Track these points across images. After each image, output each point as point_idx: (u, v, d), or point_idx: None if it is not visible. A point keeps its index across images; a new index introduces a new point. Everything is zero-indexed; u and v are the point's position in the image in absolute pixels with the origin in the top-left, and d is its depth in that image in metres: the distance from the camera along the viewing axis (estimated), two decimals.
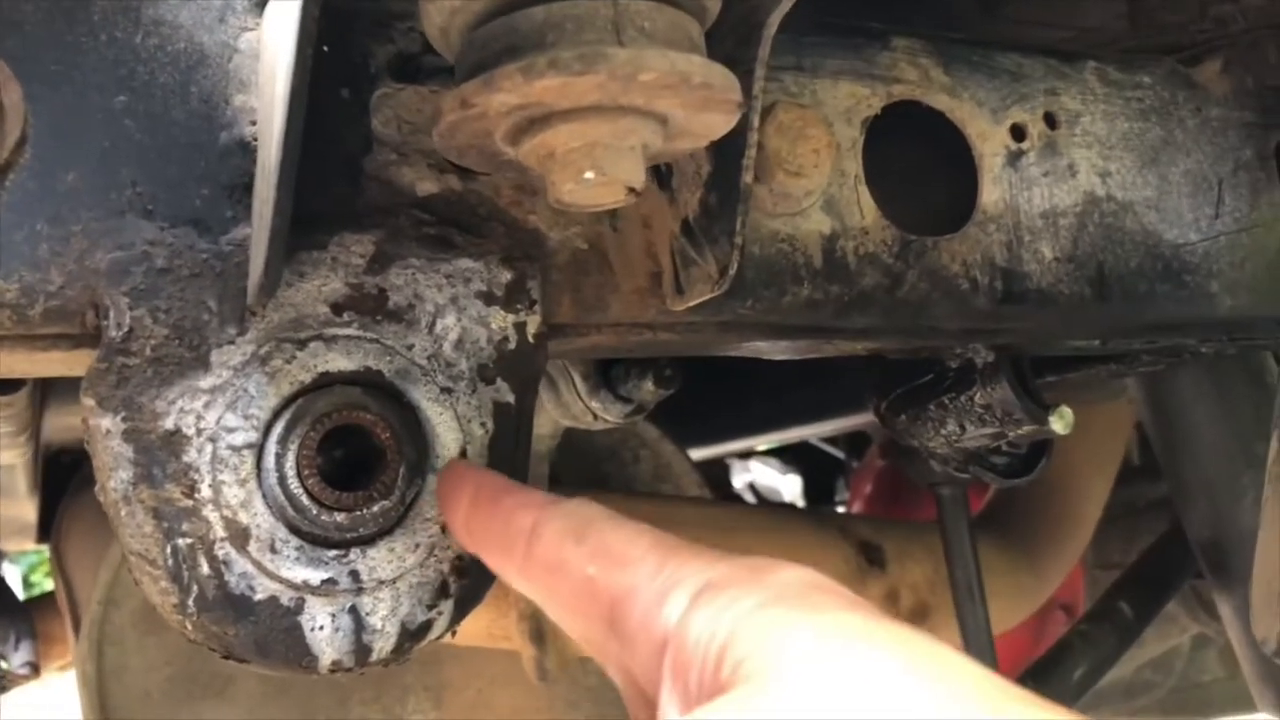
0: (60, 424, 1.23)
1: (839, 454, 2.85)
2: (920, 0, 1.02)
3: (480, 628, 1.11)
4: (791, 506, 2.72)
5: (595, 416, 0.95)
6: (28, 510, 1.90)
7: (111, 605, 1.23)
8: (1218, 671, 2.30)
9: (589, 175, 0.51)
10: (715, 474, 2.92)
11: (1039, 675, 1.32)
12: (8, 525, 2.18)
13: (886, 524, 1.37)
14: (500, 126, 0.51)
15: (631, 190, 0.53)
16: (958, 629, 1.17)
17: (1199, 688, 2.31)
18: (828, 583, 0.45)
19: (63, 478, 1.72)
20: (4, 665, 1.97)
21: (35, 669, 2.00)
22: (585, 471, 1.37)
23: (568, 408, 0.97)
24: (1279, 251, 0.92)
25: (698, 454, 1.76)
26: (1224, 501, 1.24)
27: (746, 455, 3.03)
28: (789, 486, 3.35)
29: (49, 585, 2.20)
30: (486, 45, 0.49)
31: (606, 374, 0.93)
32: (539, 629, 1.07)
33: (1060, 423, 0.92)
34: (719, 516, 1.21)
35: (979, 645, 1.13)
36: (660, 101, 0.50)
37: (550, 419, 1.02)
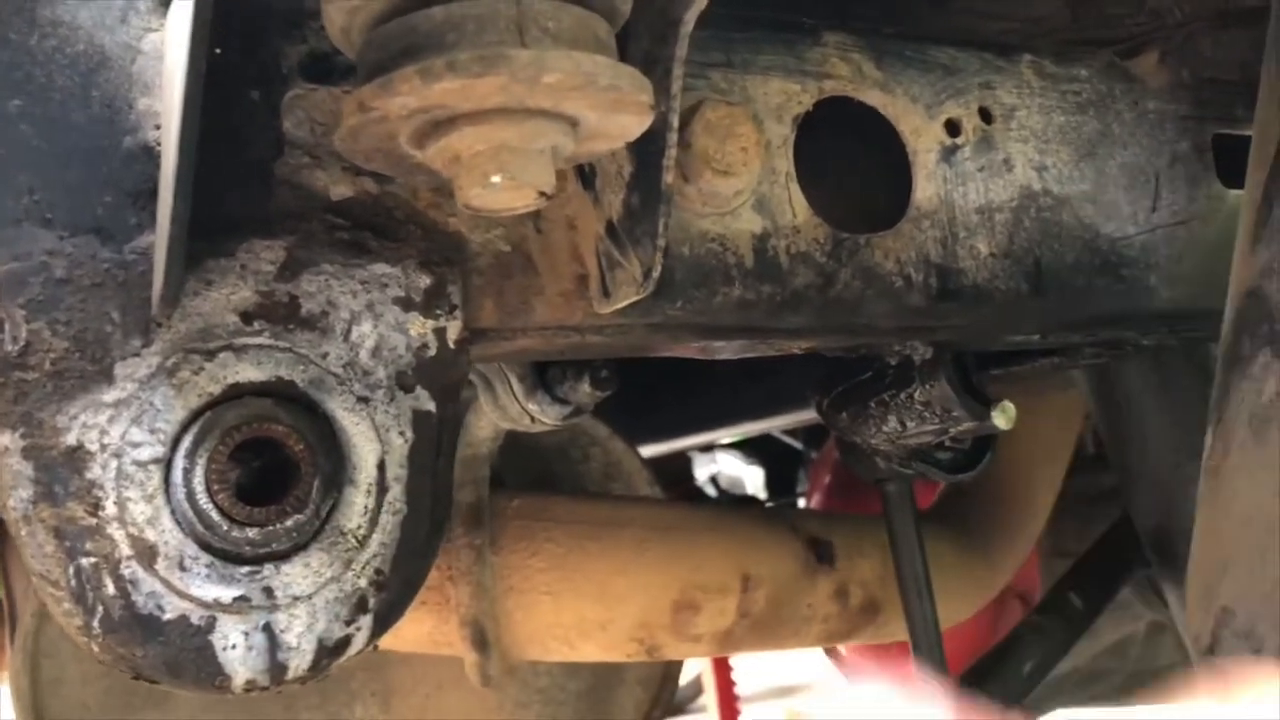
0: None
1: (799, 446, 2.85)
2: None
3: (423, 634, 1.09)
4: (741, 503, 2.71)
5: (533, 419, 0.93)
6: None
7: (46, 617, 1.21)
8: (1174, 656, 2.32)
9: (496, 179, 0.49)
10: (678, 467, 2.91)
11: (989, 668, 1.32)
12: None
13: (837, 520, 1.37)
14: (404, 130, 0.50)
15: (542, 194, 0.51)
16: (907, 625, 1.16)
17: (1155, 673, 2.33)
18: None
19: None
20: None
21: None
22: (534, 471, 1.36)
23: (505, 410, 0.95)
24: (1216, 244, 0.91)
25: (651, 450, 1.75)
26: (1169, 491, 1.24)
27: (709, 448, 3.02)
28: (752, 478, 3.35)
29: None
30: (385, 46, 0.48)
31: (543, 376, 0.91)
32: (481, 635, 1.05)
33: (1002, 418, 0.91)
34: (668, 517, 1.20)
35: (927, 642, 1.12)
36: (568, 103, 0.49)
37: (490, 421, 1.01)
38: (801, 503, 2.89)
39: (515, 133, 0.49)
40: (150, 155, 0.59)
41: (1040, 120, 0.86)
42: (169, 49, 0.57)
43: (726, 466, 3.33)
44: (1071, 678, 2.14)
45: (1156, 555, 1.27)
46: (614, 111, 0.51)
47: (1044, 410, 1.54)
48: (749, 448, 3.05)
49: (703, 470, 3.27)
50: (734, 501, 3.22)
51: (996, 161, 0.84)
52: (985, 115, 0.84)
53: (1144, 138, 0.91)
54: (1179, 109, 0.93)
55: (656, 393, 1.57)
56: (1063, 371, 1.27)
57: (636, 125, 0.53)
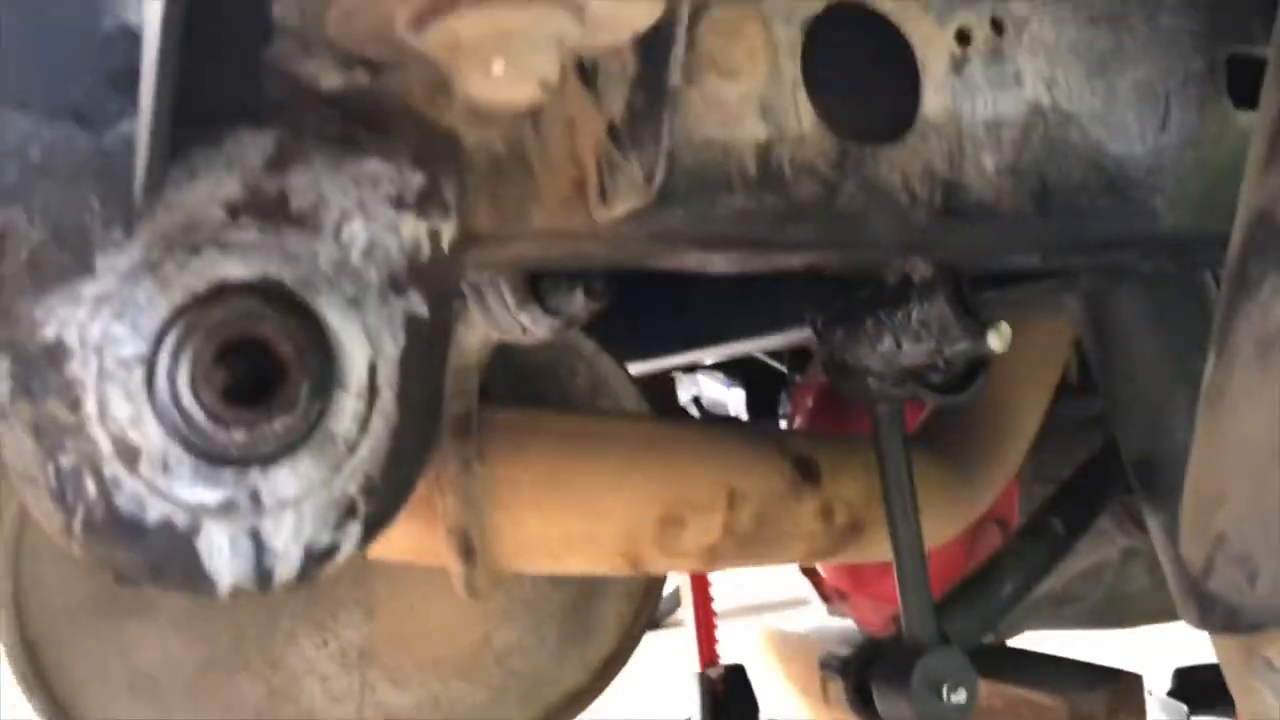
0: None
1: (782, 368, 2.85)
2: None
3: (407, 544, 1.08)
4: (728, 422, 2.72)
5: (524, 330, 0.92)
6: None
7: (28, 520, 1.19)
8: (1144, 582, 2.35)
9: (498, 67, 0.47)
10: (661, 388, 2.91)
11: (970, 590, 1.33)
12: None
13: (822, 439, 1.36)
14: (402, 13, 0.47)
15: (545, 85, 0.49)
16: (891, 546, 1.17)
17: (1125, 598, 2.37)
18: None
19: None
20: None
21: None
22: (520, 387, 1.34)
23: (496, 321, 0.94)
24: (1225, 168, 0.89)
25: (638, 368, 1.74)
26: (1158, 419, 1.24)
27: (691, 369, 3.02)
28: (734, 400, 3.35)
29: None
30: None
31: (535, 287, 0.89)
32: (467, 544, 1.05)
33: (998, 340, 0.90)
34: (655, 433, 1.19)
35: (912, 562, 1.13)
36: None
37: (480, 332, 0.99)
38: (783, 425, 2.90)
39: (520, 16, 0.46)
40: (132, 37, 0.56)
41: (1052, 33, 0.84)
42: None
43: (709, 389, 3.33)
44: (1046, 600, 2.17)
45: (1141, 483, 1.27)
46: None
47: (1031, 336, 1.54)
48: (731, 369, 3.05)
49: (685, 391, 3.27)
50: (720, 421, 3.22)
51: (1006, 74, 0.81)
52: (997, 26, 0.82)
53: (1157, 55, 0.88)
54: (1194, 26, 0.90)
55: (644, 310, 1.56)
56: (1055, 296, 1.26)
57: (646, 15, 0.50)
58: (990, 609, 1.30)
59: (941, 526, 1.46)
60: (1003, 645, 2.23)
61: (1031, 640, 2.31)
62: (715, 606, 3.53)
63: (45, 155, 0.54)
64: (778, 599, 4.80)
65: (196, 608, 1.30)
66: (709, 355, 2.19)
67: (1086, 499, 1.48)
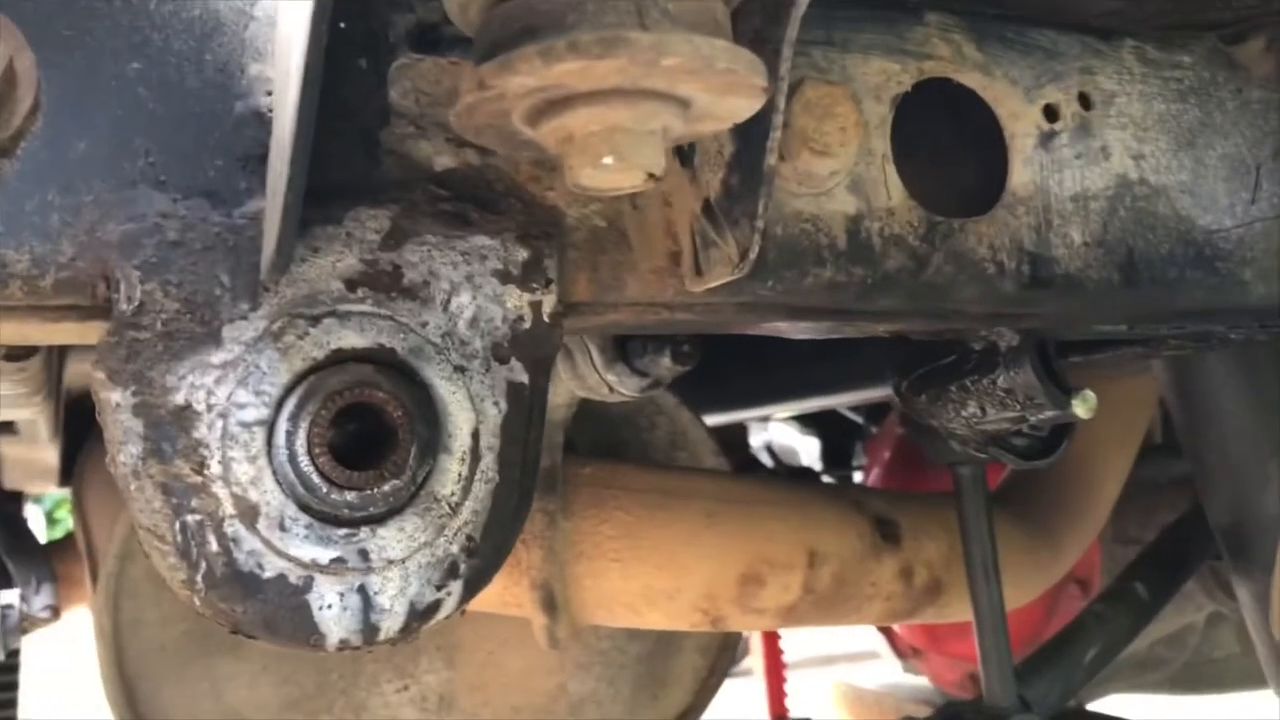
0: (82, 370, 1.23)
1: (858, 419, 2.84)
2: None
3: (493, 595, 1.11)
4: (807, 479, 2.71)
5: (611, 389, 0.94)
6: (49, 455, 1.91)
7: (128, 559, 1.24)
8: (1232, 647, 2.29)
9: (608, 160, 0.50)
10: (733, 434, 2.92)
11: (1051, 655, 1.31)
12: (30, 469, 2.20)
13: (902, 499, 1.36)
14: (518, 108, 0.50)
15: (651, 176, 0.51)
16: (971, 607, 1.16)
17: (1212, 663, 2.31)
18: None
19: (84, 422, 1.73)
20: (25, 608, 2.00)
21: (55, 612, 2.03)
22: (601, 438, 1.37)
23: (584, 379, 0.96)
24: None
25: (715, 419, 1.76)
26: (1248, 487, 1.22)
27: (765, 417, 3.02)
28: (807, 448, 3.34)
29: (71, 523, 2.23)
30: (505, 25, 0.48)
31: (624, 347, 0.92)
32: (551, 598, 1.07)
33: (1083, 407, 0.90)
34: (735, 490, 1.20)
35: (993, 625, 1.12)
36: (683, 85, 0.49)
37: (566, 389, 1.02)
38: (858, 477, 2.89)
39: (629, 114, 0.49)
40: (261, 120, 0.60)
41: (1140, 107, 0.85)
42: (283, 16, 0.58)
43: (781, 436, 3.33)
44: (1129, 664, 2.13)
45: (1229, 550, 1.25)
46: (727, 94, 0.51)
47: (1117, 397, 1.52)
48: (806, 418, 3.05)
49: (757, 437, 3.27)
50: (790, 472, 3.22)
51: (1094, 149, 0.82)
52: (1084, 101, 0.83)
53: (1246, 128, 0.89)
54: None
55: (724, 364, 1.58)
56: (1143, 361, 1.25)
57: (747, 108, 0.53)
58: (1071, 675, 1.28)
59: (1023, 588, 1.45)
60: (1084, 710, 2.19)
61: (1115, 705, 2.25)
62: (786, 657, 3.51)
63: (181, 232, 0.58)
64: (849, 651, 4.74)
65: (285, 650, 1.33)
66: (785, 410, 2.20)
67: (1172, 564, 1.46)
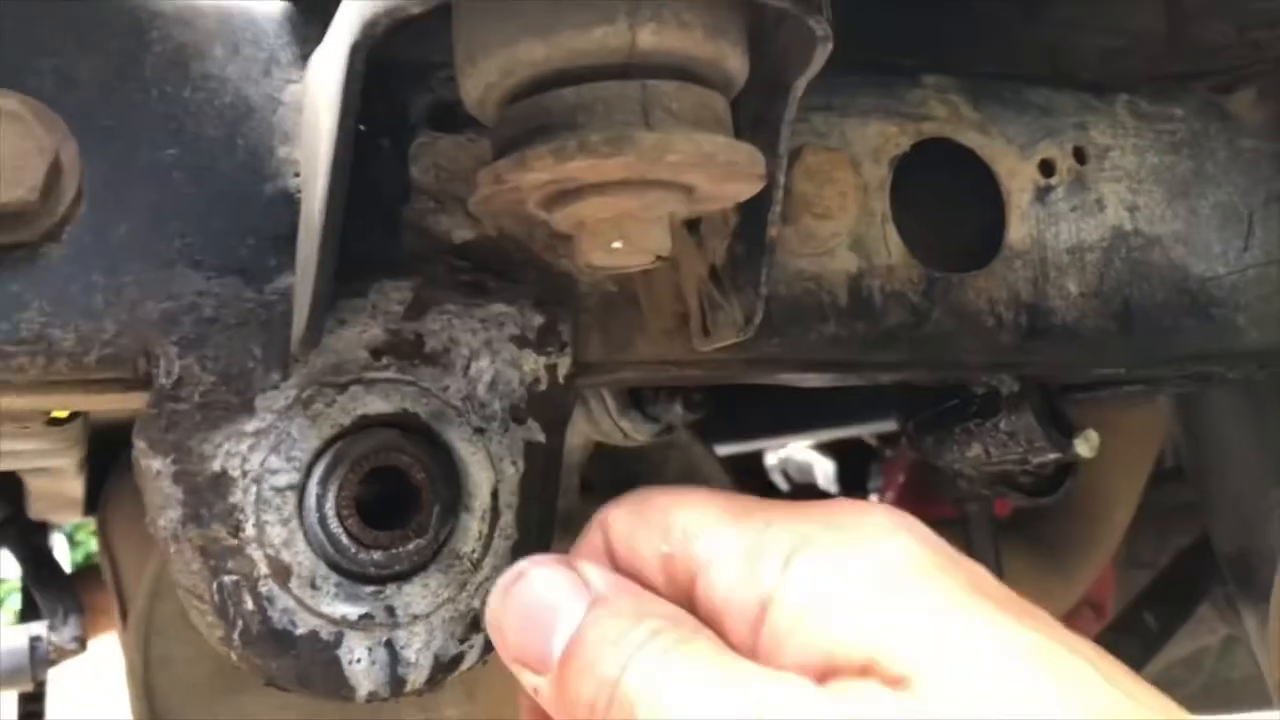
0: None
1: (873, 442, 2.86)
2: (960, 10, 1.03)
3: None
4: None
5: (625, 435, 0.97)
6: (75, 488, 1.95)
7: (158, 598, 1.28)
8: (1249, 668, 2.30)
9: (617, 245, 0.53)
10: (749, 456, 2.94)
11: None
12: (56, 501, 2.24)
13: None
14: (533, 197, 0.54)
15: (659, 257, 0.54)
16: None
17: (1229, 684, 2.31)
18: (929, 550, 0.44)
19: (109, 453, 1.77)
20: (53, 640, 2.03)
21: (82, 643, 2.06)
22: (614, 472, 1.39)
23: (599, 425, 0.99)
24: None
25: (728, 450, 1.78)
26: (1251, 517, 1.24)
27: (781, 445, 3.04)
28: (822, 468, 3.35)
29: (93, 544, 2.27)
30: (519, 123, 0.51)
31: (637, 395, 0.95)
32: None
33: (1085, 446, 0.93)
34: None
35: None
36: (686, 176, 0.52)
37: (581, 433, 1.05)
38: (874, 499, 2.90)
39: (637, 203, 0.52)
40: (289, 201, 0.64)
41: (1134, 160, 0.88)
42: (311, 101, 0.61)
43: (797, 456, 3.35)
44: None
45: (1235, 580, 1.27)
46: (727, 181, 0.54)
47: (1125, 426, 1.55)
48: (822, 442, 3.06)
49: (773, 458, 3.29)
50: (805, 494, 3.23)
51: (1089, 201, 0.85)
52: (1079, 155, 0.86)
53: (1239, 176, 0.91)
54: (1276, 147, 0.93)
55: (735, 396, 1.60)
56: (1146, 398, 1.28)
57: (747, 190, 0.56)
58: None
59: None
60: None
61: None
62: None
63: (216, 309, 0.62)
64: None
65: None
66: (797, 440, 2.22)
67: (1181, 592, 1.47)
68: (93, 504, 2.00)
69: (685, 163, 0.50)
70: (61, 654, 2.06)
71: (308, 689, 0.62)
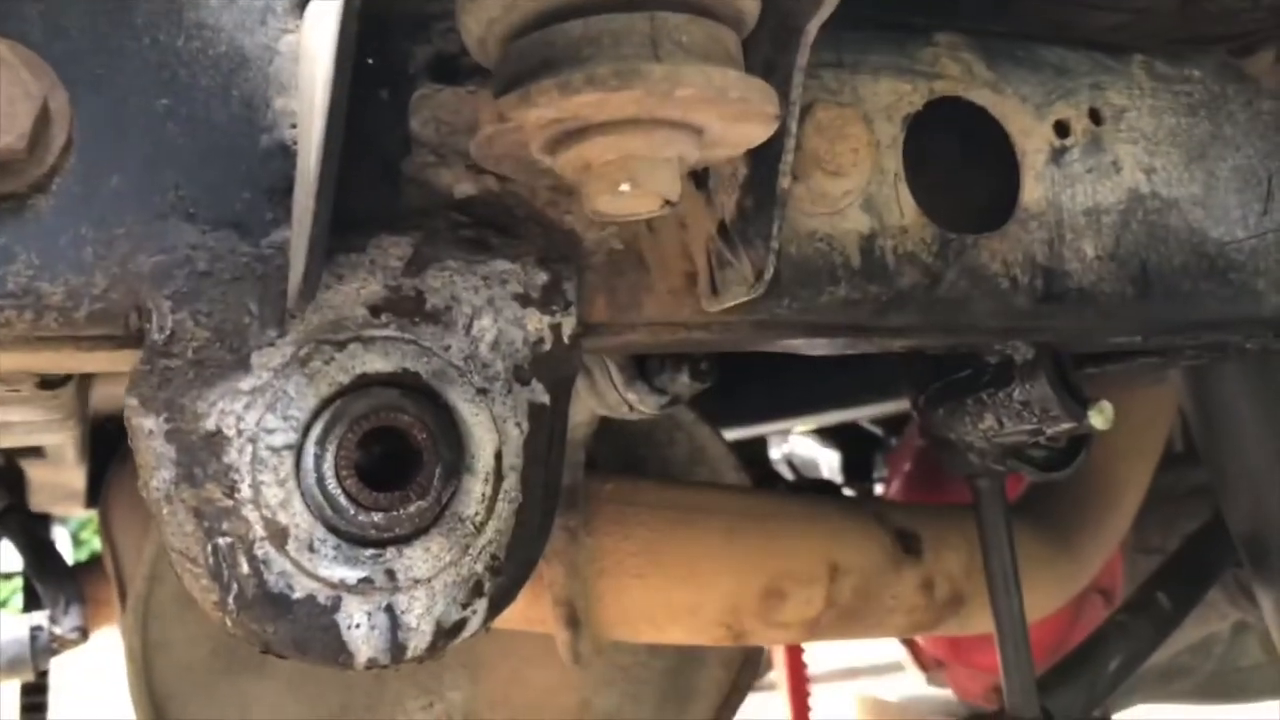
0: (107, 393, 1.25)
1: (877, 432, 2.84)
2: None
3: (516, 612, 1.12)
4: (827, 493, 2.71)
5: (631, 407, 0.95)
6: (76, 478, 1.94)
7: (156, 581, 1.26)
8: (1258, 656, 2.28)
9: (625, 187, 0.51)
10: (753, 448, 2.93)
11: (1074, 666, 1.31)
12: (57, 492, 2.22)
13: (922, 511, 1.37)
14: (536, 139, 0.52)
15: (667, 202, 0.53)
16: (992, 618, 1.17)
17: (1238, 672, 2.30)
18: None
19: (110, 444, 1.75)
20: (55, 630, 2.02)
21: (84, 633, 2.05)
22: (621, 454, 1.38)
23: (603, 397, 0.97)
24: None
25: (734, 434, 1.76)
26: (1267, 495, 1.22)
27: (785, 430, 3.03)
28: (827, 460, 3.34)
29: (97, 543, 2.25)
30: (523, 58, 0.49)
31: (642, 366, 0.93)
32: (573, 614, 1.08)
33: (1100, 418, 0.91)
34: (755, 505, 1.21)
35: (1014, 637, 1.12)
36: (697, 114, 0.50)
37: (586, 407, 1.03)
38: (879, 489, 2.89)
39: (645, 142, 0.50)
40: (286, 153, 0.62)
41: (1150, 122, 0.86)
42: (307, 51, 0.59)
43: (801, 448, 3.33)
44: (1153, 674, 2.11)
45: (1250, 559, 1.25)
46: (740, 121, 0.52)
47: (1135, 407, 1.53)
48: (826, 431, 3.05)
49: (777, 449, 3.27)
50: (810, 484, 3.22)
51: (1105, 163, 0.83)
52: (1095, 116, 0.84)
53: (1257, 139, 0.89)
54: None
55: (743, 377, 1.58)
56: (1159, 372, 1.26)
57: (761, 133, 0.54)
58: (1094, 686, 1.28)
59: (1044, 599, 1.45)
60: None
61: (1141, 715, 2.25)
62: (809, 670, 3.50)
63: (210, 263, 0.60)
64: (873, 663, 4.73)
65: (308, 667, 1.35)
66: (803, 423, 2.21)
67: (1194, 573, 1.45)
68: (94, 497, 1.99)
69: (696, 97, 0.48)
70: (63, 644, 2.05)
71: (304, 655, 0.60)
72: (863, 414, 1.87)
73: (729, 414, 1.66)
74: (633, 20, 0.48)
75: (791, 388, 1.62)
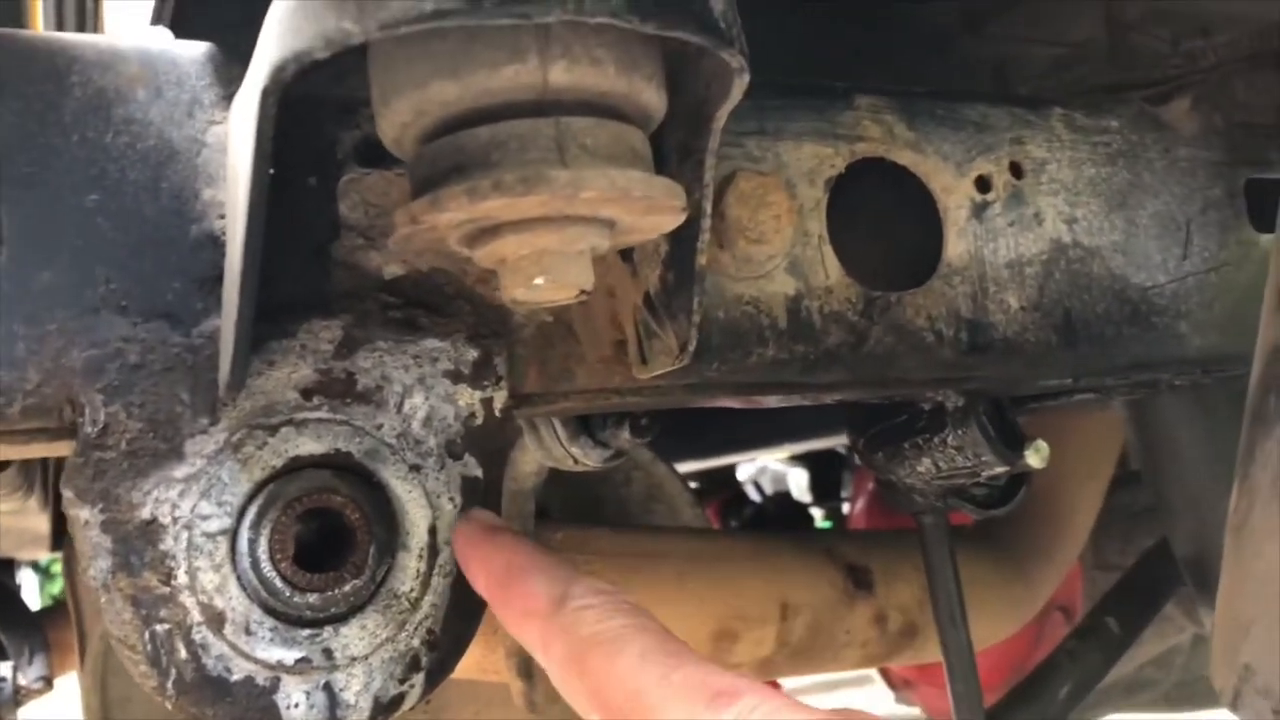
0: None
1: (844, 451, 2.87)
2: (905, 24, 1.03)
3: (471, 662, 1.13)
4: (778, 531, 2.74)
5: (575, 461, 0.97)
6: (40, 523, 1.93)
7: None
8: None
9: (539, 280, 0.53)
10: (721, 468, 2.95)
11: (1026, 694, 1.34)
12: (22, 537, 2.21)
13: (874, 542, 1.39)
14: (452, 236, 0.53)
15: (583, 291, 0.54)
16: (942, 655, 1.19)
17: (1203, 679, 2.33)
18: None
19: None
20: (20, 680, 2.01)
21: (49, 682, 2.04)
22: (578, 494, 1.39)
23: (549, 451, 0.99)
24: (1247, 289, 0.93)
25: (691, 467, 1.78)
26: (1208, 520, 1.25)
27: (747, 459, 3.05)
28: (795, 479, 3.37)
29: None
30: (435, 162, 0.51)
31: (586, 421, 0.94)
32: (527, 665, 1.09)
33: (1035, 457, 0.93)
34: (705, 548, 1.23)
35: (963, 670, 1.14)
36: (605, 210, 0.52)
37: (535, 459, 1.04)
38: (846, 508, 2.91)
39: (556, 238, 0.52)
40: (215, 243, 0.63)
41: (1070, 173, 0.88)
42: (233, 143, 0.61)
43: (771, 466, 3.35)
44: (1117, 688, 2.14)
45: (1194, 581, 1.28)
46: (648, 214, 0.54)
47: (1084, 430, 1.55)
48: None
49: (745, 470, 3.30)
50: (777, 504, 3.24)
51: (1027, 216, 0.86)
52: (1016, 170, 0.86)
53: (1175, 186, 0.92)
54: (1211, 155, 0.94)
55: (693, 414, 1.60)
56: (1099, 405, 1.28)
57: (670, 223, 0.56)
58: (1045, 714, 1.31)
59: (999, 624, 1.47)
60: None
61: None
62: (786, 684, 3.52)
63: (142, 355, 0.61)
64: (851, 676, 4.75)
65: None
66: (759, 456, 2.23)
67: (1143, 595, 1.48)
68: (60, 540, 1.98)
69: (601, 198, 0.50)
70: (28, 695, 2.03)
71: None
72: (815, 446, 1.89)
73: (687, 450, 1.67)
74: (538, 125, 0.49)
75: (747, 422, 1.64)
